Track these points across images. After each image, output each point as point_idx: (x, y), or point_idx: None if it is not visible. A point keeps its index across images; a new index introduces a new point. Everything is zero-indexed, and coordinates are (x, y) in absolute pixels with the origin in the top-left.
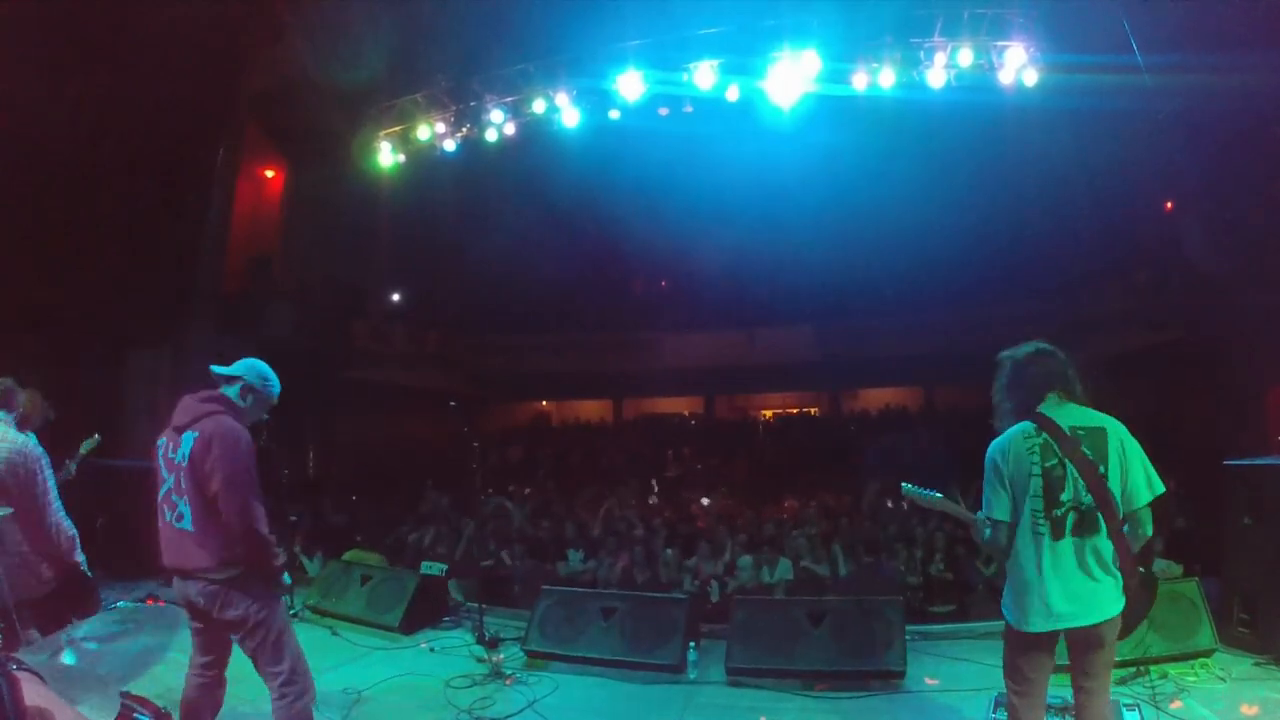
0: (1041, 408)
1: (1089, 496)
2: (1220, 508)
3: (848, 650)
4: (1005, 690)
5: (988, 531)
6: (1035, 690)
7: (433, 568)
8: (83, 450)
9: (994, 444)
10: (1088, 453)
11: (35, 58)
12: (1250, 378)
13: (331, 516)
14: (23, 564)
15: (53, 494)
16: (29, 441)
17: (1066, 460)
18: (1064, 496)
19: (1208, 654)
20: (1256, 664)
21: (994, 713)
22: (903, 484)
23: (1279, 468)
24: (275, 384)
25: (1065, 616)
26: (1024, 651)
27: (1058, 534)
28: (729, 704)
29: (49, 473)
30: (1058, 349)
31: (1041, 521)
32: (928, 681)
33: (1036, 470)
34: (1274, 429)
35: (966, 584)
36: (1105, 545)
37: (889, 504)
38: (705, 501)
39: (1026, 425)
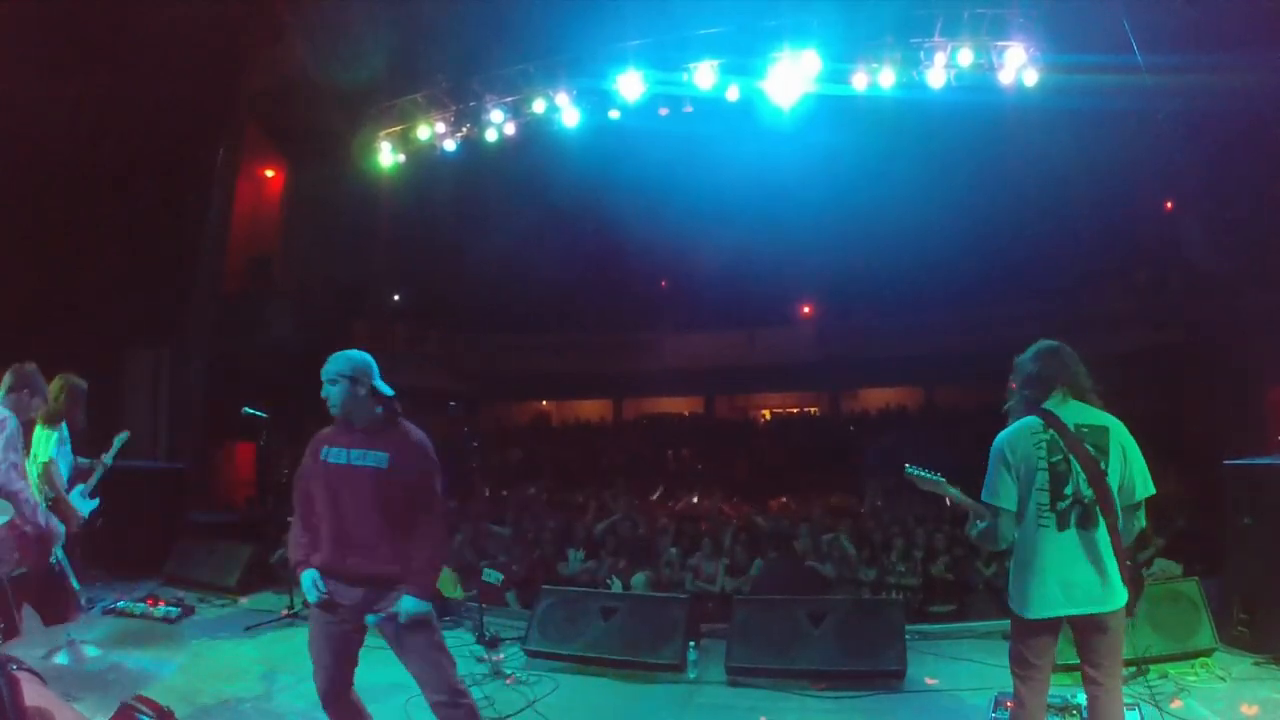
0: (1048, 404)
1: (1090, 491)
2: (1220, 508)
3: (848, 650)
4: (1010, 686)
5: (981, 523)
6: (1040, 676)
7: (491, 575)
8: (116, 446)
9: (1001, 435)
10: (1090, 449)
11: (35, 58)
12: (1250, 377)
13: None
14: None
15: (7, 458)
16: (3, 412)
17: (1071, 456)
18: (1067, 490)
19: (1208, 654)
20: (1256, 664)
21: (994, 712)
22: (906, 465)
23: (1279, 468)
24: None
25: (1068, 603)
26: (1029, 638)
27: (1061, 525)
28: (729, 704)
29: (12, 451)
30: (1064, 346)
31: (1046, 514)
32: (928, 681)
33: (1043, 464)
34: (1274, 429)
35: (966, 584)
36: (1104, 538)
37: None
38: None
39: (1034, 420)
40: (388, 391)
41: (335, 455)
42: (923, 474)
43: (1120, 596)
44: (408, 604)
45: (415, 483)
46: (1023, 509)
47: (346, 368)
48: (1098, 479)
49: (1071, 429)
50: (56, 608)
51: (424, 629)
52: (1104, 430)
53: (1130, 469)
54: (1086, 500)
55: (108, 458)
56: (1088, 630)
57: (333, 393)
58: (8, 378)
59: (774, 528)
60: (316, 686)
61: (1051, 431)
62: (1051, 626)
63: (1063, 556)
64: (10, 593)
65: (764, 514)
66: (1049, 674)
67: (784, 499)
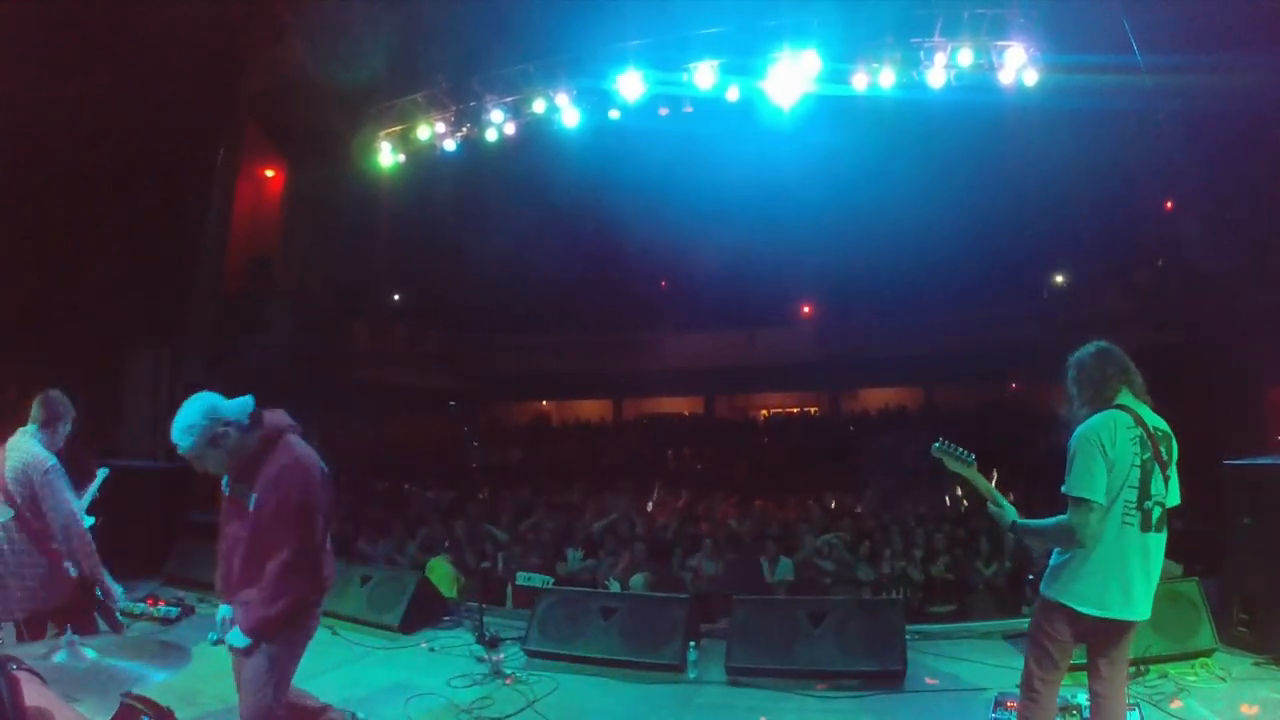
0: (1121, 400)
1: (1162, 495)
2: (1220, 508)
3: (848, 650)
4: (1009, 687)
5: (1021, 521)
6: (1059, 679)
7: (532, 579)
8: (97, 482)
9: (1094, 423)
10: (1163, 452)
11: (35, 58)
12: (1250, 377)
13: (342, 522)
14: (56, 571)
15: (64, 506)
16: (42, 454)
17: (1154, 457)
18: (1154, 490)
19: (1208, 654)
20: (1256, 664)
21: (994, 712)
22: (935, 443)
23: (1279, 468)
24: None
25: (1129, 607)
26: (1070, 637)
27: (1146, 526)
28: (729, 704)
29: (62, 483)
30: (1118, 348)
31: (1132, 512)
32: (928, 681)
33: (1137, 460)
34: (1274, 429)
35: (966, 584)
36: (1163, 544)
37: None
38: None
39: (1123, 415)
40: (244, 409)
41: (227, 484)
42: (953, 452)
43: (1151, 606)
44: (233, 637)
45: (270, 517)
46: (1110, 505)
47: (202, 421)
48: (1168, 484)
49: (1151, 429)
50: (83, 626)
51: (255, 653)
52: (1169, 436)
53: (1174, 477)
54: (1163, 504)
55: (86, 498)
56: (1118, 634)
57: (208, 461)
58: (37, 410)
59: (742, 530)
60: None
61: (1141, 429)
62: (1107, 628)
63: (1142, 559)
64: (25, 626)
65: (742, 517)
66: (1063, 678)
67: (759, 502)
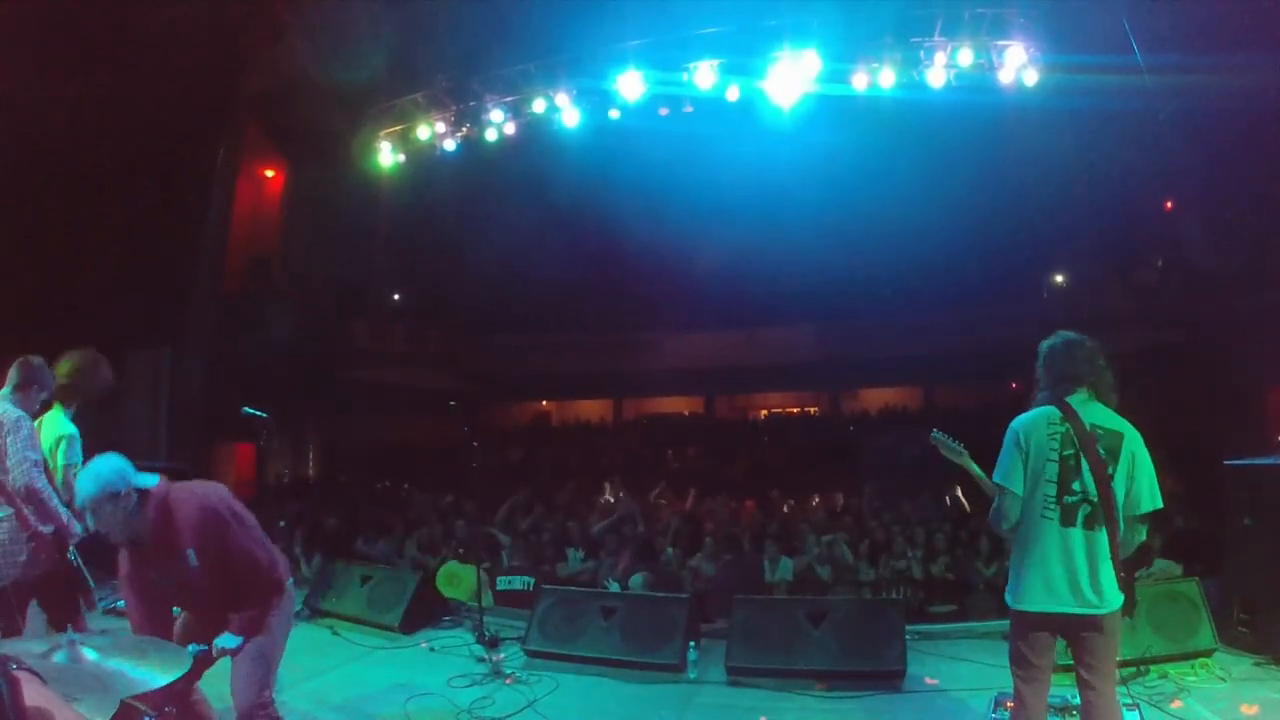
0: (1070, 399)
1: (1096, 493)
2: (1220, 508)
3: (848, 650)
4: (1010, 686)
5: (994, 502)
6: (1040, 676)
7: (513, 582)
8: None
9: (1018, 419)
10: (1101, 452)
11: (36, 58)
12: (1250, 377)
13: (327, 520)
14: (14, 548)
15: (29, 461)
16: (14, 410)
17: (1082, 453)
18: (1075, 486)
19: (1208, 654)
20: (1256, 664)
21: (994, 713)
22: (933, 432)
23: (1279, 468)
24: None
25: (1065, 600)
26: (1026, 633)
27: (1067, 521)
28: (729, 704)
29: (26, 437)
30: (1093, 342)
31: (1051, 506)
32: (928, 681)
33: (1054, 456)
34: (1274, 429)
35: (967, 584)
36: (1105, 542)
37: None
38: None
39: (1052, 410)
40: (143, 481)
41: (150, 583)
42: (948, 441)
43: (1115, 600)
44: (223, 640)
45: (215, 558)
46: (1030, 497)
47: (99, 492)
48: (1103, 483)
49: (1087, 427)
50: (66, 610)
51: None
52: (1119, 435)
53: (1139, 480)
54: (1095, 501)
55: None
56: (1079, 631)
57: (102, 518)
58: (14, 374)
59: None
60: None
61: (1068, 425)
62: (1047, 622)
63: (1061, 552)
64: (13, 594)
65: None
66: (1049, 674)
67: (750, 501)
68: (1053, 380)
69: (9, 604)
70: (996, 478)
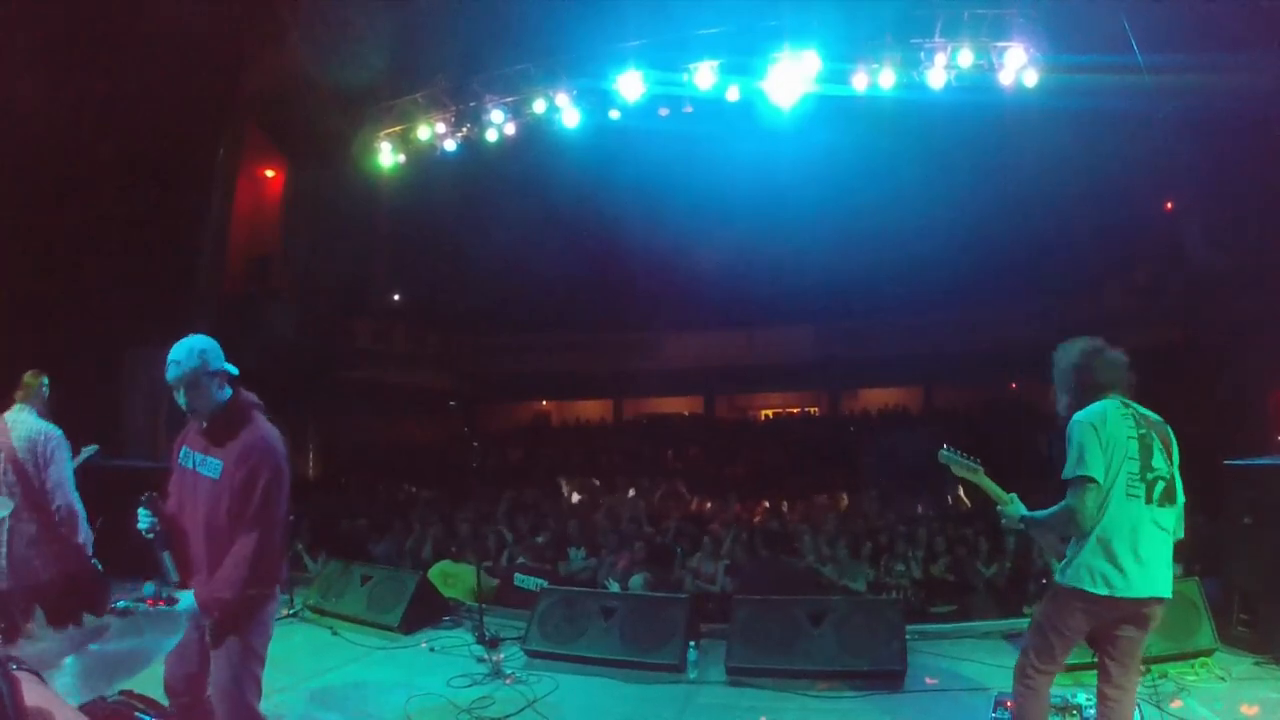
0: (1110, 396)
1: (1168, 469)
2: (1220, 508)
3: (848, 650)
4: (1009, 687)
5: (1029, 513)
6: (1055, 671)
7: (526, 581)
8: (83, 456)
9: (1086, 411)
10: (1165, 434)
11: (36, 59)
12: (1250, 378)
13: (340, 521)
14: (35, 551)
15: (68, 480)
16: (49, 426)
17: (1153, 433)
18: (1154, 462)
19: (1208, 654)
20: (1256, 664)
21: (994, 713)
22: (943, 449)
23: (1279, 468)
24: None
25: (1149, 584)
26: (1076, 624)
27: (1150, 498)
28: (729, 704)
29: (66, 455)
30: (1113, 350)
31: (1136, 483)
32: (928, 681)
33: (1133, 434)
34: (1274, 429)
35: (967, 584)
36: (1177, 519)
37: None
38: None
39: (1113, 401)
40: (231, 370)
41: (184, 457)
42: (960, 459)
43: (1172, 584)
44: (185, 602)
45: (239, 490)
46: (1112, 482)
47: (194, 362)
48: (1171, 461)
49: (1142, 414)
50: (69, 613)
51: (232, 645)
52: (1165, 425)
53: (1178, 477)
54: (1168, 477)
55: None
56: (1134, 617)
57: (186, 399)
58: (29, 392)
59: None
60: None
61: (1133, 409)
62: (1113, 614)
63: (1150, 530)
64: (20, 599)
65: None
66: (1058, 673)
67: (767, 503)
68: (1082, 390)
69: (12, 608)
70: (1073, 471)
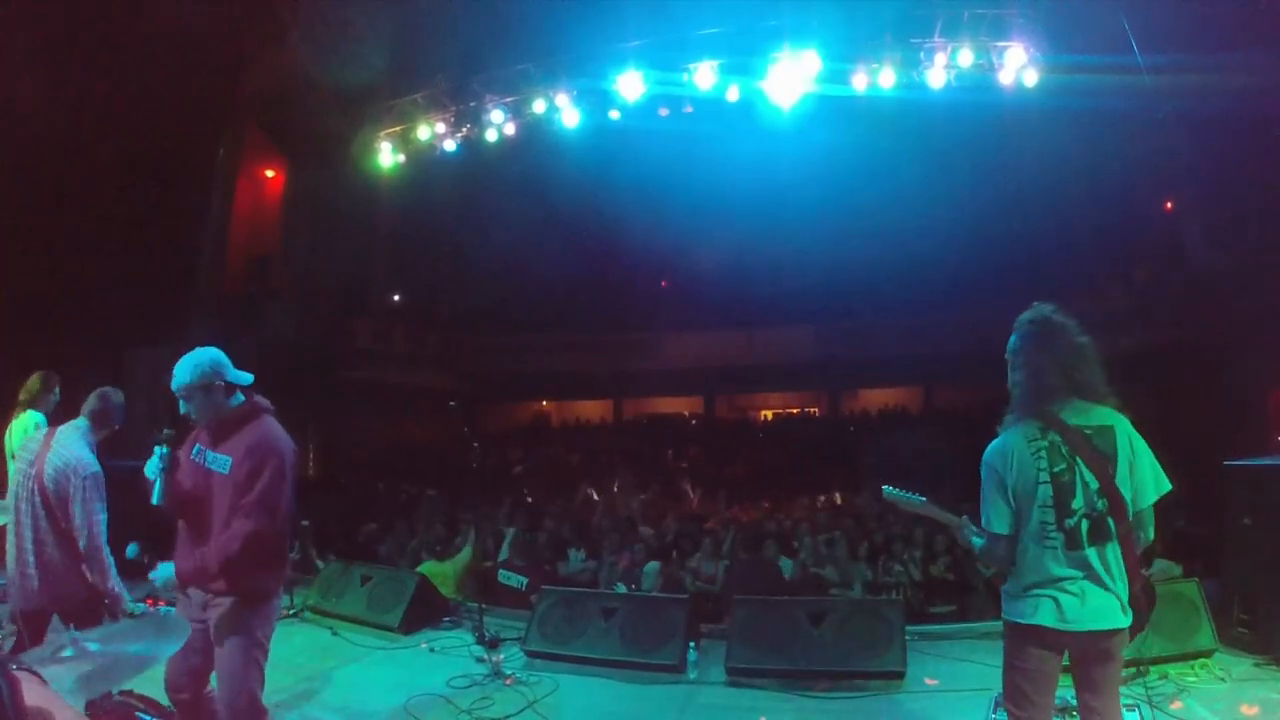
0: (1050, 406)
1: (1101, 501)
2: (1220, 508)
3: (848, 650)
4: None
5: (977, 540)
6: (1041, 710)
7: (510, 578)
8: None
9: (992, 447)
10: (1098, 449)
11: (37, 59)
12: (1250, 378)
13: (359, 530)
14: (63, 572)
15: (97, 524)
16: (87, 458)
17: (1077, 460)
18: (1075, 504)
19: (1208, 654)
20: (1256, 664)
21: (994, 713)
22: (884, 487)
23: (1279, 468)
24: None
25: (1076, 621)
26: (1026, 660)
27: (1072, 545)
28: (729, 704)
29: (95, 498)
30: (1070, 320)
31: (1053, 533)
32: (928, 681)
33: (1045, 478)
34: (1274, 429)
35: (966, 584)
36: (1116, 552)
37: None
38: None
39: (1029, 426)
40: (244, 379)
41: (196, 453)
42: (902, 496)
43: (1126, 616)
44: (162, 572)
45: (243, 481)
46: (1023, 526)
47: (194, 376)
48: (1108, 484)
49: (1073, 429)
50: (90, 618)
51: (238, 633)
52: (1109, 430)
53: (1139, 467)
54: (1098, 512)
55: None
56: (1089, 651)
57: (191, 408)
58: (94, 403)
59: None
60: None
61: (1052, 434)
62: (1056, 645)
63: (1073, 577)
64: (32, 617)
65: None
66: (1050, 710)
67: (767, 504)
68: (1033, 394)
69: (20, 631)
70: (983, 524)
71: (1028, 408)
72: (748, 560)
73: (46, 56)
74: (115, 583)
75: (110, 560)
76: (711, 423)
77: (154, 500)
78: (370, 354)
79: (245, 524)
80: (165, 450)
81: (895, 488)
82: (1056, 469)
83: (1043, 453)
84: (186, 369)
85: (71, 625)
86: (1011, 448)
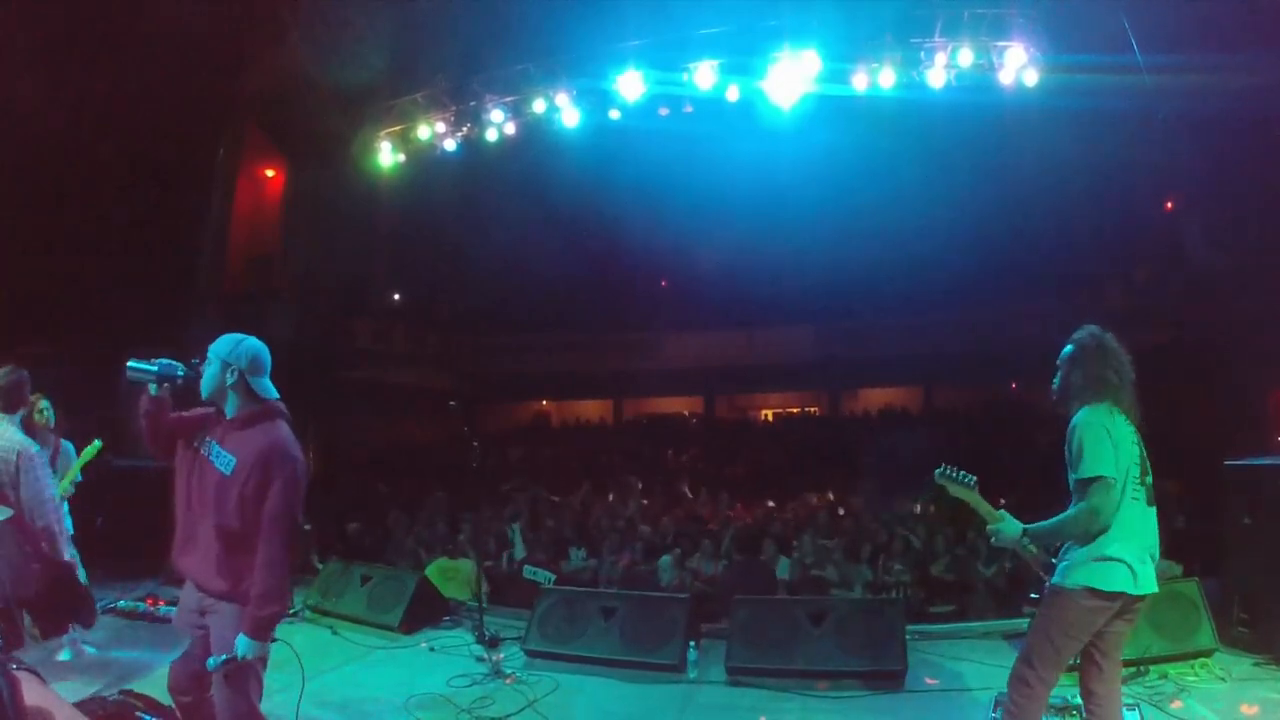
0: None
1: (1149, 475)
2: (1220, 508)
3: (848, 650)
4: (1009, 689)
5: (1010, 530)
6: (1056, 678)
7: (537, 574)
8: (82, 459)
9: (1093, 410)
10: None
11: (36, 58)
12: (1251, 378)
13: (350, 528)
14: (22, 562)
15: (47, 495)
16: (26, 441)
17: (1140, 440)
18: (1148, 467)
19: (1208, 654)
20: (1256, 664)
21: (994, 713)
22: (936, 469)
23: (1279, 468)
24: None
25: (1148, 581)
26: (1081, 628)
27: (1150, 501)
28: (729, 704)
29: (44, 474)
30: (1123, 357)
31: (1137, 487)
32: (928, 681)
33: (1135, 439)
34: (1274, 429)
35: (966, 584)
36: (1155, 518)
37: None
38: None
39: (1111, 405)
40: (270, 394)
41: (203, 444)
42: (954, 478)
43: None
44: (242, 646)
45: (253, 494)
46: (1120, 483)
47: (224, 349)
48: (1145, 463)
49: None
50: (57, 621)
51: (243, 670)
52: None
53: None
54: (1150, 483)
55: (75, 473)
56: (1126, 613)
57: (205, 372)
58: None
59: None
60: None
61: (1127, 416)
62: (1112, 609)
63: (1151, 533)
64: (14, 606)
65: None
66: (1058, 679)
67: (771, 504)
68: (1089, 385)
69: (12, 616)
70: (1092, 470)
71: (1109, 391)
72: (743, 561)
73: (46, 56)
74: (69, 552)
75: (69, 533)
76: (711, 423)
77: (152, 391)
78: (370, 354)
79: (275, 548)
80: (181, 372)
81: (948, 470)
82: (1137, 437)
83: (1129, 424)
84: (226, 341)
85: (71, 627)
86: (1110, 412)
